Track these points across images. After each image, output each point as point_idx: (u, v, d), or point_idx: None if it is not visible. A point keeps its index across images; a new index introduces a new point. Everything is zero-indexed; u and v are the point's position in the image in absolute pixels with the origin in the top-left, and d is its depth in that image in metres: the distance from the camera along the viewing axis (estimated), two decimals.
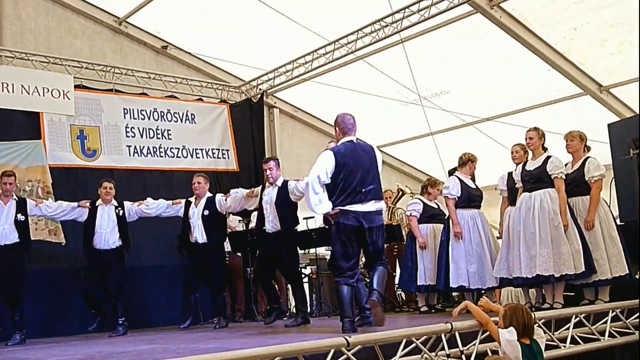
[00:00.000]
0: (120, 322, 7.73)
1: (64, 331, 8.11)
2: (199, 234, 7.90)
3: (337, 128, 6.15)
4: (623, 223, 6.94)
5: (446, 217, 7.65)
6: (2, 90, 8.82)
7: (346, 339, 3.91)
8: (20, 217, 7.38)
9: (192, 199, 8.09)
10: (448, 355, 4.38)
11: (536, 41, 9.20)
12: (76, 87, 9.53)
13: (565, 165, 6.68)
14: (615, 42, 9.03)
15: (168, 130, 10.39)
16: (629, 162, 6.96)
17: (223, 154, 10.86)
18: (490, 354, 4.47)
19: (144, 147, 10.07)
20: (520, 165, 6.88)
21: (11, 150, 8.70)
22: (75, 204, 7.82)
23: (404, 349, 4.24)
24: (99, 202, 7.90)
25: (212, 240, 7.90)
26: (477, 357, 4.53)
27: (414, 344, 4.29)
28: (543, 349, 4.48)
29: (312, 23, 9.88)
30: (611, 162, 7.27)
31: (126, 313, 7.87)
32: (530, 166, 6.72)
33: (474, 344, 4.56)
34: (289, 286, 8.89)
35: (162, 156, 10.22)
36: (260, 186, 7.82)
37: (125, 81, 10.23)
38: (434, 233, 8.10)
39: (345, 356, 3.93)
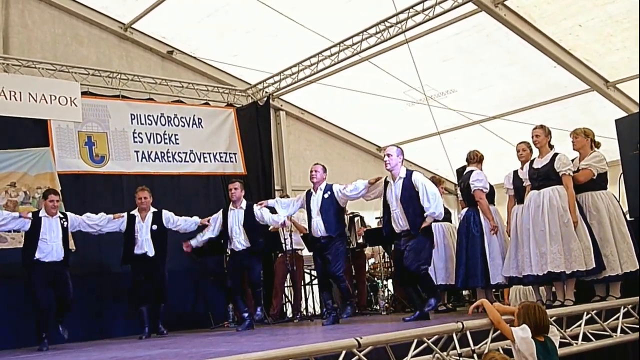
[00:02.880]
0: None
1: (75, 337, 8.13)
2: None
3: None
4: (633, 219, 6.91)
5: (466, 212, 7.55)
6: (10, 99, 8.86)
7: (357, 340, 3.91)
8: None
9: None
10: (460, 355, 4.38)
11: (541, 38, 9.19)
12: (83, 93, 9.57)
13: (572, 161, 6.67)
14: (621, 37, 9.01)
15: (175, 135, 10.41)
16: (637, 158, 6.93)
17: (230, 158, 10.88)
18: (501, 351, 4.46)
19: (151, 152, 10.09)
20: (528, 164, 6.85)
21: (20, 158, 8.74)
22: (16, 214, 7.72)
23: (415, 349, 4.24)
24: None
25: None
26: None
27: (425, 344, 4.29)
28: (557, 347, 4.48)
29: (317, 25, 9.88)
30: (619, 157, 7.24)
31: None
32: (538, 164, 6.69)
33: (486, 343, 4.55)
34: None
35: (170, 161, 10.24)
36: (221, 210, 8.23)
37: (132, 87, 10.26)
38: (443, 232, 8.09)
39: (356, 357, 3.92)
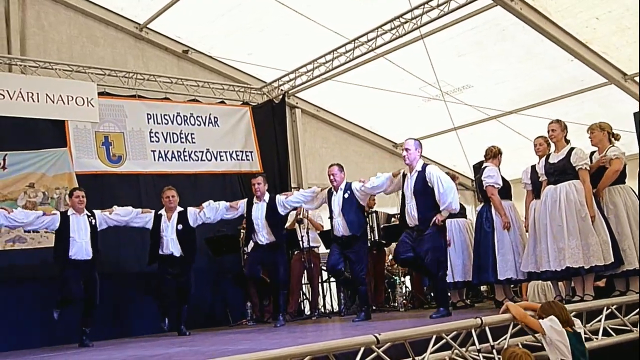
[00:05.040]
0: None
1: (96, 335, 8.19)
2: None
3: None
4: None
5: (480, 208, 7.52)
6: (28, 100, 8.93)
7: (376, 337, 3.91)
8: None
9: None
10: (479, 351, 4.36)
11: (558, 32, 9.12)
12: (100, 94, 9.63)
13: (592, 155, 6.61)
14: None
15: (192, 134, 10.45)
16: None
17: (247, 156, 10.90)
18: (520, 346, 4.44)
19: (168, 151, 10.14)
20: (544, 159, 6.80)
21: (38, 159, 8.82)
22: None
23: (434, 345, 4.22)
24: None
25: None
26: None
27: (444, 340, 4.27)
28: None
29: (332, 22, 9.88)
30: (638, 151, 7.18)
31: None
32: (554, 159, 6.64)
33: (505, 339, 4.53)
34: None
35: (186, 160, 10.28)
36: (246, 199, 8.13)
37: (148, 86, 10.32)
38: (459, 228, 8.06)
39: (375, 354, 3.92)
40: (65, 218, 7.53)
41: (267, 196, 8.02)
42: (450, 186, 6.68)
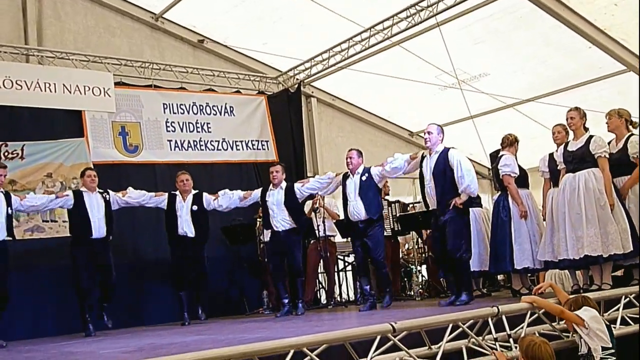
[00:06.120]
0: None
1: (113, 324, 8.24)
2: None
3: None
4: None
5: (497, 197, 7.48)
6: (45, 90, 8.99)
7: (392, 325, 3.90)
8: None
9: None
10: (495, 339, 4.34)
11: (575, 18, 9.03)
12: (116, 84, 9.66)
13: (609, 143, 6.55)
14: None
15: (207, 123, 10.48)
16: None
17: (262, 145, 10.91)
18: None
19: (184, 141, 10.17)
20: (562, 147, 6.74)
21: (56, 149, 8.88)
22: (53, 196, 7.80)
23: (450, 333, 4.21)
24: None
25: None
26: None
27: (460, 329, 4.27)
28: None
29: (347, 10, 9.84)
30: None
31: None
32: (573, 146, 6.58)
33: (522, 327, 4.51)
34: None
35: (202, 149, 10.31)
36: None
37: (164, 76, 10.34)
38: (475, 217, 8.02)
39: (391, 342, 3.92)
40: (78, 196, 7.64)
41: (283, 184, 8.05)
42: (470, 169, 6.69)
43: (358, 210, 7.38)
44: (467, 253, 6.78)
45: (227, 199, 8.30)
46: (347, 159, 7.59)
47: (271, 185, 8.10)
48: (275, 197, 7.98)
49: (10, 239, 7.11)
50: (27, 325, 8.14)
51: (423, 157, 7.03)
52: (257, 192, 8.27)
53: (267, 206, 8.01)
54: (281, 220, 7.91)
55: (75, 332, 7.73)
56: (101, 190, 7.83)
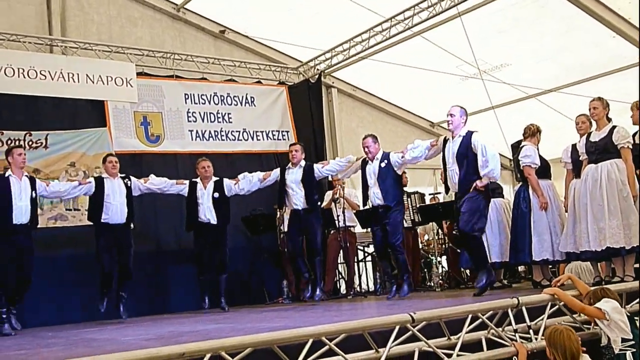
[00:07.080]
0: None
1: (134, 312, 8.33)
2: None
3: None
4: None
5: (518, 188, 7.43)
6: (68, 80, 9.09)
7: (411, 316, 3.90)
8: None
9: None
10: (515, 331, 4.32)
11: (599, 7, 8.93)
12: (138, 74, 9.73)
13: (634, 135, 6.48)
14: None
15: (228, 113, 10.52)
16: None
17: (283, 135, 10.94)
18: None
19: (205, 131, 10.23)
20: (584, 137, 6.68)
21: (79, 139, 9.00)
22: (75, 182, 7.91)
23: (469, 324, 4.20)
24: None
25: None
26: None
27: (480, 320, 4.26)
28: None
29: (368, 0, 9.79)
30: None
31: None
32: (595, 137, 6.53)
33: (542, 319, 4.48)
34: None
35: (223, 140, 10.37)
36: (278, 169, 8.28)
37: (185, 67, 10.39)
38: (496, 208, 7.97)
39: (410, 332, 3.92)
40: (100, 182, 7.72)
41: (302, 162, 8.10)
42: (495, 154, 6.65)
43: (377, 196, 7.44)
44: (478, 229, 6.65)
45: (247, 182, 8.36)
46: (364, 148, 7.61)
47: (290, 164, 8.15)
48: (294, 176, 8.02)
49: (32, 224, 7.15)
50: (51, 312, 8.24)
51: (445, 141, 7.00)
52: (276, 172, 8.32)
53: (285, 184, 8.06)
54: (300, 197, 7.95)
55: (98, 319, 7.82)
56: (122, 175, 7.89)
